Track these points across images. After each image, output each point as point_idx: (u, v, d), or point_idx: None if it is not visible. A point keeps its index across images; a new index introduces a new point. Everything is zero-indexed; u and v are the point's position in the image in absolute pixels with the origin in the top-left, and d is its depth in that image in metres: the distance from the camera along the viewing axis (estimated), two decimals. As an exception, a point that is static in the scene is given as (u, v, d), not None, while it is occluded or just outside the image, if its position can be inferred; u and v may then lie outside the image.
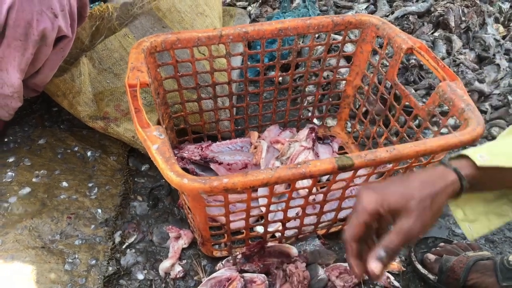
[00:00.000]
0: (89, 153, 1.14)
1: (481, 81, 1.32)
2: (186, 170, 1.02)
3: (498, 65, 1.37)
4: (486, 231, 0.74)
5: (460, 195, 0.64)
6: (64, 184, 1.06)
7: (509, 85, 1.33)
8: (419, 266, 0.94)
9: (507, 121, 1.28)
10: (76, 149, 1.15)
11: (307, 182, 0.83)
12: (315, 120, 1.29)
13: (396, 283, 0.91)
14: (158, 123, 1.03)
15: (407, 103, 1.01)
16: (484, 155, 0.64)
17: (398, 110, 1.04)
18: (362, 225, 0.60)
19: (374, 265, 0.58)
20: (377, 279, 0.64)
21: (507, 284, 0.82)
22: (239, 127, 1.19)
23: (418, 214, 0.59)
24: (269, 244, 0.92)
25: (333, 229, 1.00)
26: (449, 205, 0.73)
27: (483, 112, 1.31)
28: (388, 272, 0.93)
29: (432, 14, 1.57)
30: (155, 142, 0.72)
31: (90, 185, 1.07)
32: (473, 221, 0.74)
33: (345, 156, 0.74)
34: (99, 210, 1.01)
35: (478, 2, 1.61)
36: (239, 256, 0.91)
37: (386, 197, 0.60)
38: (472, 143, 0.81)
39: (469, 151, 0.65)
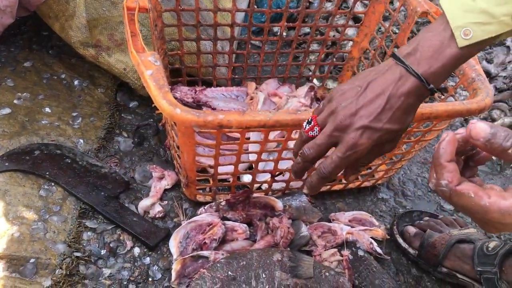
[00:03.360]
0: (76, 82, 1.10)
1: (489, 61, 1.29)
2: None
3: (508, 47, 1.34)
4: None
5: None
6: (47, 109, 1.01)
7: (517, 69, 1.31)
8: (400, 240, 0.93)
9: (509, 104, 1.27)
10: (63, 76, 1.10)
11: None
12: (315, 80, 1.25)
13: (379, 250, 0.90)
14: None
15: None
16: (469, 24, 0.53)
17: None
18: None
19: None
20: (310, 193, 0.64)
21: (481, 269, 0.81)
22: (236, 76, 1.16)
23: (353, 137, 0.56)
24: (255, 194, 0.90)
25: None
26: None
27: (486, 93, 1.29)
28: (371, 238, 0.92)
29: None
30: (149, 67, 0.68)
31: (74, 114, 1.02)
32: None
33: (347, 108, 0.71)
34: (81, 141, 0.97)
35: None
36: (223, 203, 0.88)
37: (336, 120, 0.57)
38: (479, 113, 0.78)
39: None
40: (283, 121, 0.67)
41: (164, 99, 0.64)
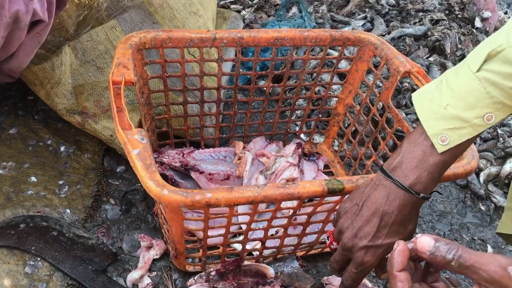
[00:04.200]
0: (62, 148, 1.09)
1: (472, 111, 1.32)
2: (164, 176, 0.98)
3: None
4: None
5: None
6: (33, 179, 1.00)
7: (500, 117, 1.34)
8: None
9: (494, 154, 1.29)
10: (49, 142, 1.10)
11: (291, 203, 0.80)
12: (302, 135, 1.27)
13: None
14: (140, 123, 0.99)
15: (399, 127, 1.00)
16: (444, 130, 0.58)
17: (389, 134, 1.02)
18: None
19: None
20: None
21: None
22: (224, 135, 1.16)
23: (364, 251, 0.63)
24: (246, 262, 0.89)
25: (312, 251, 0.98)
26: None
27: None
28: (366, 300, 0.91)
29: (429, 38, 1.57)
30: (136, 146, 0.68)
31: (60, 182, 1.02)
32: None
33: (336, 179, 0.72)
34: (68, 211, 0.96)
35: (474, 31, 1.62)
36: (213, 273, 0.87)
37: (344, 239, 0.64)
38: (465, 177, 0.80)
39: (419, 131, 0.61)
40: (271, 196, 0.68)
41: (152, 180, 0.64)
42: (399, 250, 0.47)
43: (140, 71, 0.94)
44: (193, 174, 0.97)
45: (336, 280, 0.94)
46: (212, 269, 0.88)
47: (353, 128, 1.16)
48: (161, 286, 0.88)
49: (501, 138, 1.28)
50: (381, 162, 1.06)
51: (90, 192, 1.02)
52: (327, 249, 0.98)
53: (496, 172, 1.25)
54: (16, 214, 0.93)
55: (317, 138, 1.27)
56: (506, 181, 1.23)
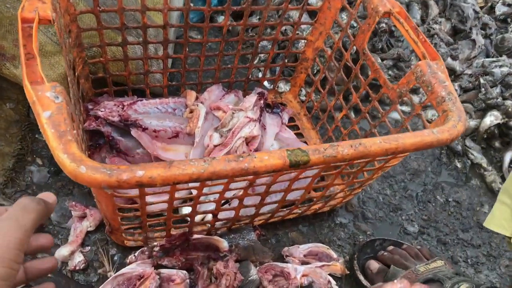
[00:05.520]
0: None
1: (454, 58, 1.21)
2: (100, 134, 0.85)
3: (473, 40, 1.26)
4: None
5: None
6: None
7: (482, 65, 1.24)
8: (361, 277, 0.85)
9: (474, 106, 1.20)
10: None
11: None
12: (265, 83, 1.14)
13: None
14: (64, 77, 0.84)
15: (374, 77, 0.88)
16: None
17: (363, 85, 0.91)
18: None
19: None
20: None
21: None
22: (173, 83, 1.02)
23: None
24: (195, 236, 0.79)
25: (272, 220, 0.88)
26: None
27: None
28: (329, 275, 0.83)
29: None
30: (47, 107, 0.54)
31: None
32: None
33: (299, 149, 0.60)
34: None
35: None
36: (157, 249, 0.77)
37: None
38: (450, 142, 0.70)
39: None
40: (221, 172, 0.56)
41: (65, 153, 0.51)
42: None
43: (65, 4, 0.77)
44: (133, 132, 0.84)
45: (297, 252, 0.86)
46: (155, 243, 0.77)
47: (323, 76, 1.03)
48: (95, 263, 0.77)
49: (483, 89, 1.18)
50: (352, 115, 0.95)
51: (12, 150, 0.87)
52: (289, 217, 0.89)
53: (475, 125, 1.17)
54: None
55: (282, 86, 1.14)
56: (485, 136, 1.16)
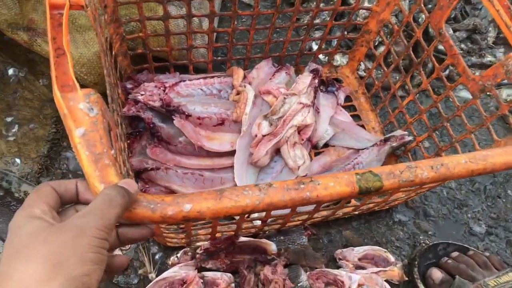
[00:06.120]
0: (11, 71, 0.87)
1: None
2: (140, 121, 0.78)
3: None
4: None
5: None
6: None
7: None
8: (422, 287, 0.77)
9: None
10: None
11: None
12: (320, 56, 1.02)
13: None
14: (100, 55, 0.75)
15: (452, 63, 0.76)
16: None
17: (437, 70, 0.79)
18: None
19: None
20: None
21: None
22: (219, 58, 0.92)
23: None
24: (242, 239, 0.73)
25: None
26: None
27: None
28: (386, 281, 0.77)
29: None
30: (80, 122, 0.46)
31: (8, 120, 0.82)
32: None
33: (371, 172, 0.52)
34: (18, 160, 0.78)
35: None
36: (200, 251, 0.71)
37: None
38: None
39: None
40: (279, 203, 0.48)
41: (102, 182, 0.44)
42: None
43: (99, -24, 0.68)
44: (176, 121, 0.76)
45: (351, 255, 0.79)
46: (199, 245, 0.72)
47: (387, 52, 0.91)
48: (136, 263, 0.73)
49: None
50: (419, 103, 0.84)
51: (47, 133, 0.82)
52: (344, 216, 0.82)
53: None
54: (-49, 165, 0.75)
55: (339, 59, 1.03)
56: None
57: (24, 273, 0.34)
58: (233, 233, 0.72)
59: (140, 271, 0.72)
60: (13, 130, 0.80)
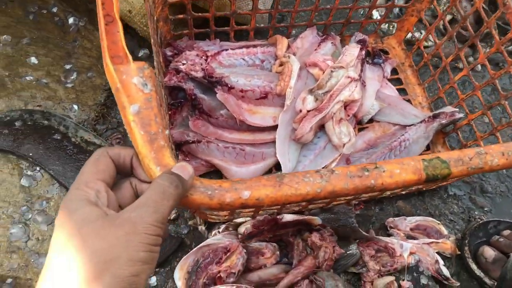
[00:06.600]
0: (71, 20, 0.87)
1: None
2: (180, 91, 0.75)
3: None
4: None
5: None
6: (33, 60, 0.81)
7: None
8: (474, 266, 0.75)
9: None
10: (54, 10, 0.87)
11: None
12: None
13: (446, 272, 0.72)
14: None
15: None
16: None
17: (497, 44, 0.74)
18: None
19: None
20: None
21: None
22: (262, 25, 0.88)
23: None
24: (286, 218, 0.71)
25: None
26: None
27: None
28: (437, 253, 0.74)
29: None
30: (134, 99, 0.44)
31: (67, 67, 0.82)
32: None
33: (438, 158, 0.48)
34: (75, 107, 0.78)
35: None
36: (243, 230, 0.70)
37: None
38: None
39: None
40: (341, 191, 0.45)
41: (158, 165, 0.42)
42: None
43: None
44: (219, 95, 0.73)
45: (403, 224, 0.77)
46: (242, 225, 0.70)
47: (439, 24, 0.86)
48: (186, 214, 0.74)
49: None
50: (473, 78, 0.79)
51: (104, 83, 0.82)
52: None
53: None
54: (12, 106, 0.76)
55: (386, 28, 0.98)
56: None
57: (70, 268, 0.33)
58: (275, 210, 0.70)
59: (190, 222, 0.72)
60: (72, 77, 0.80)
